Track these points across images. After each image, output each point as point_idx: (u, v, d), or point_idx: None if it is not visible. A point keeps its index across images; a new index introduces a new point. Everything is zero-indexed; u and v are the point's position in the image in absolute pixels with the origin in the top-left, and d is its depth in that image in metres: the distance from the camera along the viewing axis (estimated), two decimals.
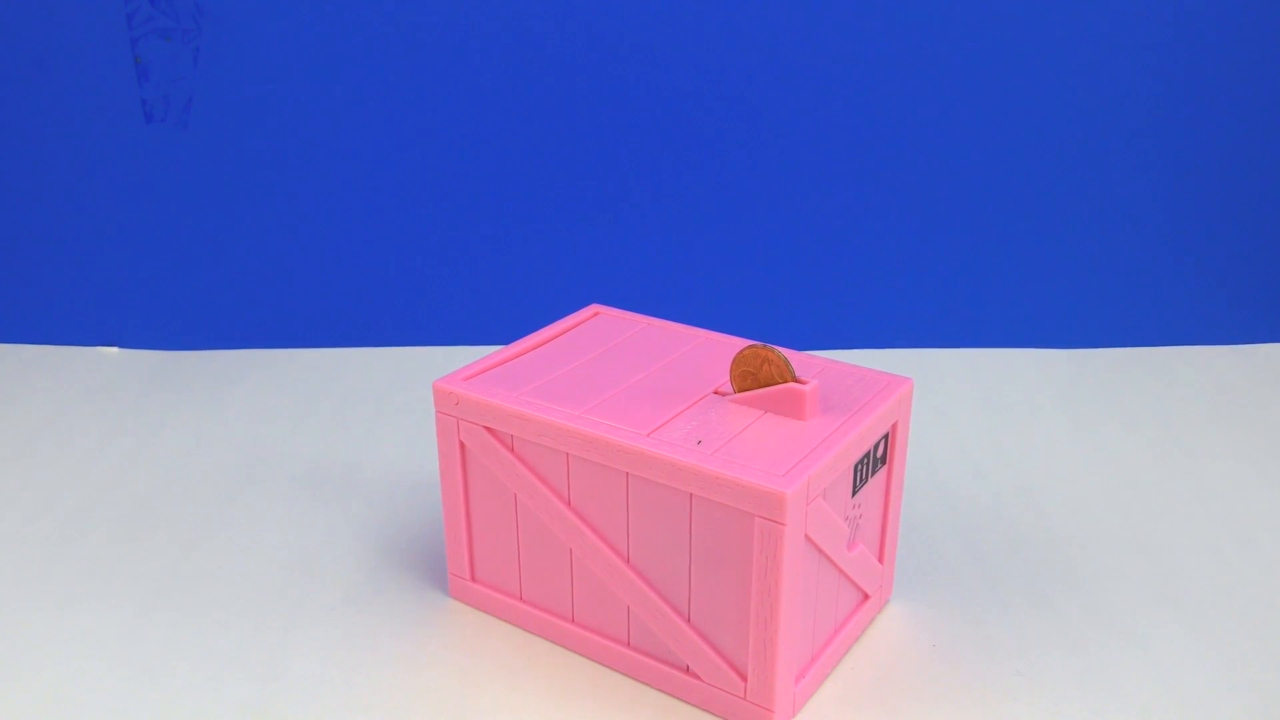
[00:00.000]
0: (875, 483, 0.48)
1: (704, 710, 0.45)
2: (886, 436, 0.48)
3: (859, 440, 0.44)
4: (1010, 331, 0.83)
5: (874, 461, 0.47)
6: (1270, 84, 0.80)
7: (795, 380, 0.45)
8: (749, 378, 0.46)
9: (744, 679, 0.43)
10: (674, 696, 0.46)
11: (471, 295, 0.83)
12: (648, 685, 0.47)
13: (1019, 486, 0.63)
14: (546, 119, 0.80)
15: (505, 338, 0.79)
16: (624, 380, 0.49)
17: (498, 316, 0.82)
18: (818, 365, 0.50)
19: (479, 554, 0.50)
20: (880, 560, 0.50)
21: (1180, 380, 0.78)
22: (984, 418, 0.72)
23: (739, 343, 0.53)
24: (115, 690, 0.46)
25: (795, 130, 0.80)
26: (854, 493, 0.46)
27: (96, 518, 0.59)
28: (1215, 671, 0.48)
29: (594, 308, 0.57)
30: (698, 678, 0.45)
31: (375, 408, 0.73)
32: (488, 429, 0.47)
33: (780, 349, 0.46)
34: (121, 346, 0.82)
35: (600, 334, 0.54)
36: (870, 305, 0.83)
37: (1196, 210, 0.83)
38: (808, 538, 0.42)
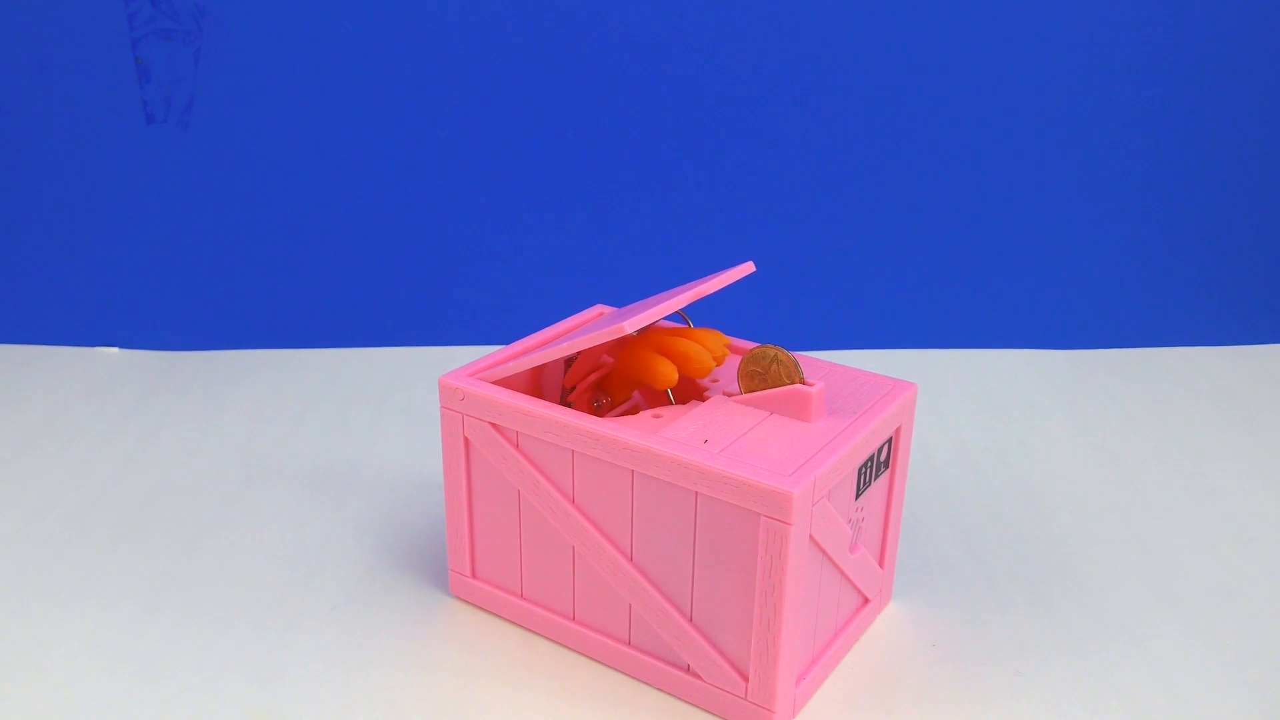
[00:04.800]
0: (878, 487, 0.48)
1: (704, 710, 0.45)
2: (890, 440, 0.48)
3: (864, 443, 0.44)
4: (1010, 332, 0.83)
5: (877, 465, 0.47)
6: (1270, 84, 0.80)
7: (802, 382, 0.45)
8: (757, 377, 0.46)
9: (745, 679, 0.43)
10: (674, 696, 0.46)
11: (474, 295, 0.83)
12: (648, 684, 0.47)
13: (1019, 486, 0.63)
14: (549, 119, 0.80)
15: (507, 338, 0.79)
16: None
17: (500, 317, 0.82)
18: (823, 368, 0.50)
19: (480, 550, 0.50)
20: (881, 564, 0.50)
21: (1180, 380, 0.78)
22: (984, 418, 0.72)
23: (741, 343, 0.53)
24: (115, 690, 0.46)
25: (797, 131, 0.80)
26: (857, 495, 0.46)
27: (96, 518, 0.59)
28: (1215, 671, 0.48)
29: (599, 308, 0.57)
30: (698, 677, 0.45)
31: (375, 408, 0.73)
32: (493, 424, 0.47)
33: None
34: (121, 346, 0.82)
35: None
36: (870, 306, 0.83)
37: (1196, 210, 0.83)
38: (812, 539, 0.42)
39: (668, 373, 0.48)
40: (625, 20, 0.78)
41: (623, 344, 0.51)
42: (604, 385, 0.52)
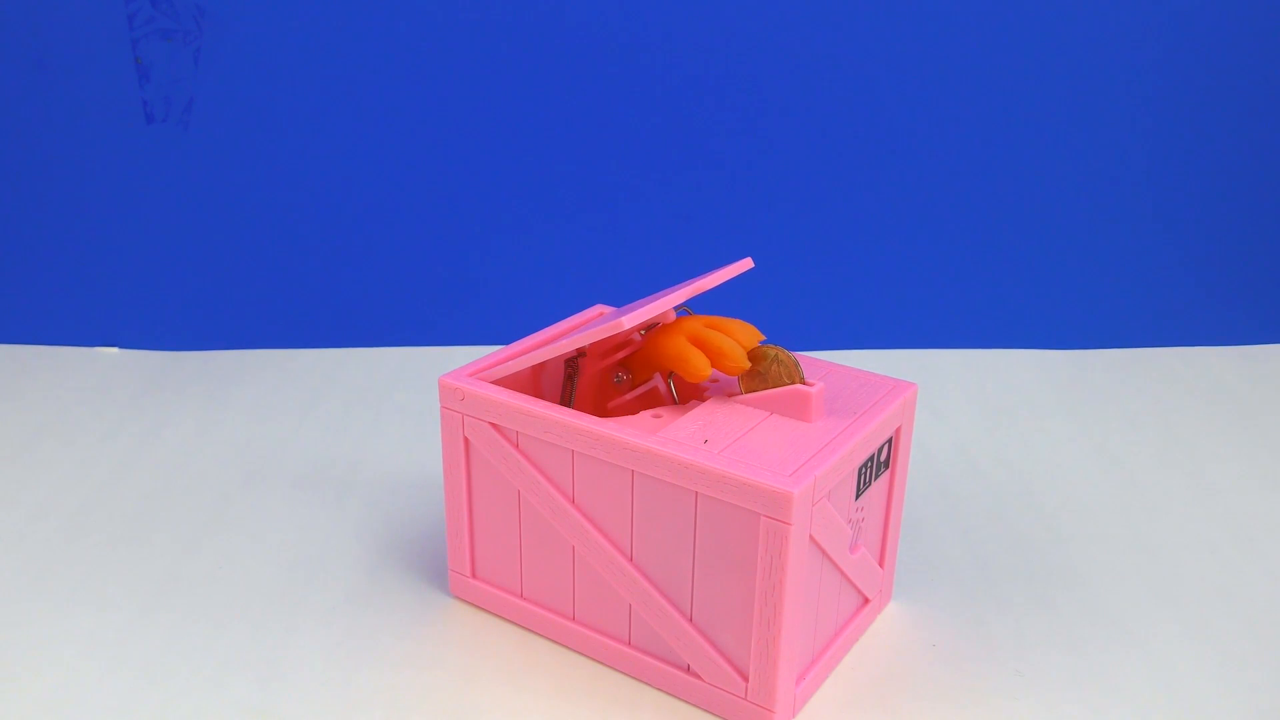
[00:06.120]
0: (878, 487, 0.48)
1: (704, 710, 0.45)
2: (890, 440, 0.48)
3: (864, 443, 0.44)
4: (1010, 332, 0.83)
5: (877, 465, 0.47)
6: (1270, 84, 0.80)
7: (803, 382, 0.45)
8: (757, 377, 0.46)
9: (745, 679, 0.43)
10: (674, 696, 0.46)
11: (473, 295, 0.83)
12: (648, 684, 0.47)
13: (1019, 486, 0.63)
14: (549, 119, 0.80)
15: (507, 338, 0.79)
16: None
17: (500, 317, 0.82)
18: (823, 368, 0.50)
19: (480, 550, 0.50)
20: (881, 564, 0.50)
21: (1180, 380, 0.78)
22: (984, 418, 0.72)
23: None
24: (115, 690, 0.46)
25: (797, 131, 0.80)
26: (857, 496, 0.46)
27: (97, 518, 0.59)
28: (1215, 671, 0.48)
29: (599, 308, 0.57)
30: (698, 677, 0.45)
31: (375, 408, 0.73)
32: (493, 425, 0.47)
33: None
34: (121, 346, 0.82)
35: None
36: (871, 306, 0.83)
37: (1196, 210, 0.83)
38: (812, 539, 0.42)
39: (701, 366, 0.46)
40: (625, 20, 0.78)
41: (653, 325, 0.51)
42: (628, 363, 0.52)
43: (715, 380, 0.50)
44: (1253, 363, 0.81)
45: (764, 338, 0.49)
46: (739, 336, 0.47)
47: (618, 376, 0.51)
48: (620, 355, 0.51)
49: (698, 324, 0.48)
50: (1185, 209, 0.83)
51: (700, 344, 0.47)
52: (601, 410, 0.53)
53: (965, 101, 0.80)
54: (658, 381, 0.51)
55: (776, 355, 0.46)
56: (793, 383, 0.45)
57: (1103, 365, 0.80)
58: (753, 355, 0.46)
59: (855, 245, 0.82)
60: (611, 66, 0.79)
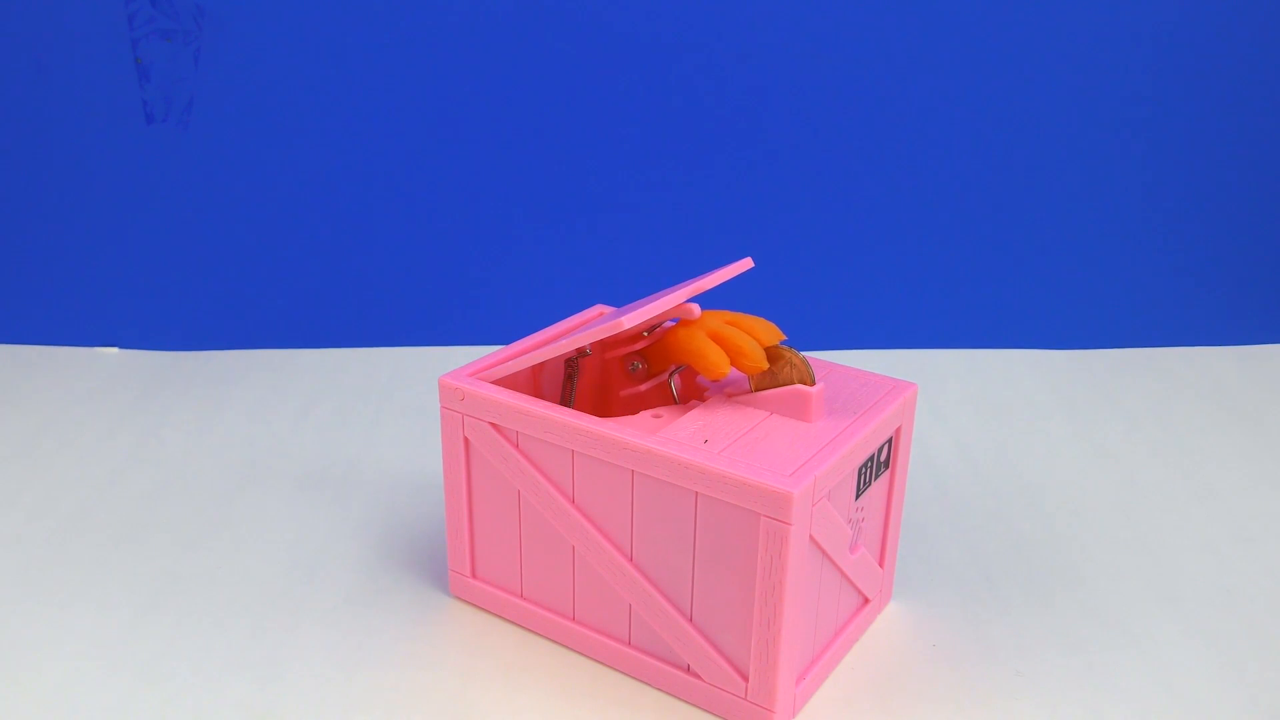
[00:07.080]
0: (878, 487, 0.48)
1: (704, 710, 0.45)
2: (890, 440, 0.48)
3: (864, 443, 0.44)
4: (1010, 332, 0.83)
5: (877, 465, 0.47)
6: (1269, 84, 0.80)
7: (809, 384, 0.45)
8: (769, 376, 0.46)
9: (745, 679, 0.43)
10: (674, 696, 0.46)
11: (473, 295, 0.83)
12: (648, 684, 0.47)
13: (1019, 487, 0.63)
14: (549, 118, 0.80)
15: (507, 338, 0.79)
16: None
17: (500, 317, 0.82)
18: (823, 368, 0.50)
19: (480, 550, 0.50)
20: (881, 564, 0.50)
21: (1180, 380, 0.78)
22: (984, 418, 0.72)
23: None
24: (115, 690, 0.46)
25: (797, 132, 0.80)
26: (857, 496, 0.46)
27: (96, 518, 0.59)
28: (1215, 671, 0.48)
29: (599, 308, 0.57)
30: (698, 677, 0.45)
31: (375, 408, 0.73)
32: (493, 425, 0.47)
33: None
34: (121, 346, 0.82)
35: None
36: (870, 306, 0.83)
37: (1195, 211, 0.83)
38: (812, 539, 0.42)
39: (719, 364, 0.46)
40: (625, 20, 0.78)
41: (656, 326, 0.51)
42: (645, 353, 0.51)
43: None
44: (1253, 363, 0.81)
45: (785, 337, 0.48)
46: (759, 334, 0.47)
47: (633, 365, 0.51)
48: (639, 345, 0.51)
49: (718, 320, 0.47)
50: (1184, 209, 0.83)
51: (720, 341, 0.46)
52: (612, 398, 0.53)
53: (965, 101, 0.80)
54: (670, 374, 0.50)
55: (790, 358, 0.46)
56: (803, 384, 0.45)
57: (1103, 365, 0.80)
58: (768, 355, 0.46)
59: (855, 245, 0.83)
60: (611, 66, 0.79)
